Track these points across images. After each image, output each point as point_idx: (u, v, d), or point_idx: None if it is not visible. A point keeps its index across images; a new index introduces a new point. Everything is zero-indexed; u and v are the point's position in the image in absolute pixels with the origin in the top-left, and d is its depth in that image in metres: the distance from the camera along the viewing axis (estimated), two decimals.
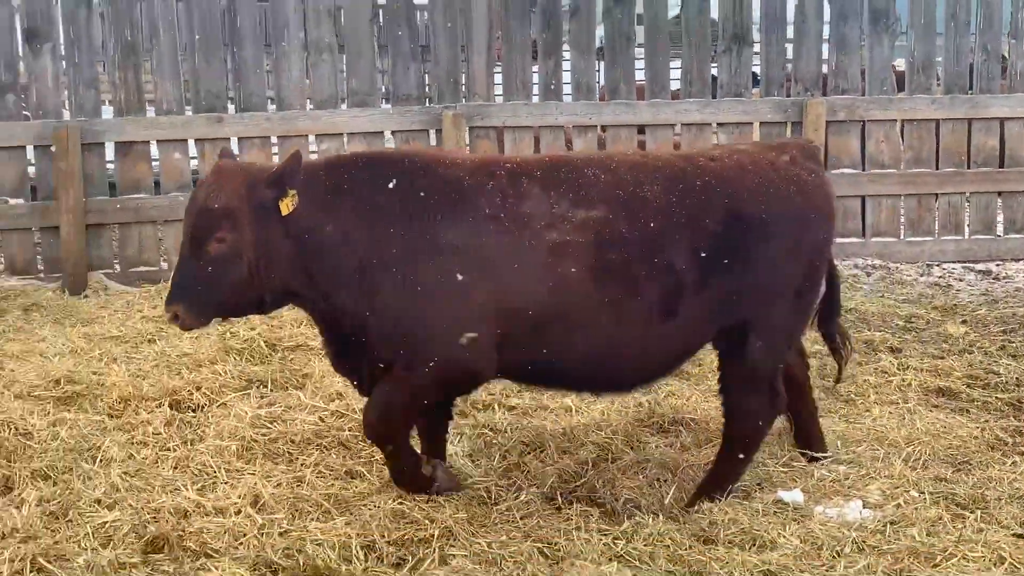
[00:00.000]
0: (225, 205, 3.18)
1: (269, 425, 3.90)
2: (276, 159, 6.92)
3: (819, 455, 3.76)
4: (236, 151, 7.01)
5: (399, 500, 3.27)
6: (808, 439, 3.82)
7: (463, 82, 7.04)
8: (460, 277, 3.19)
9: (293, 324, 5.13)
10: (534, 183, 3.32)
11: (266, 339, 4.89)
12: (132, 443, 3.72)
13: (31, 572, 2.89)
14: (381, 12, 7.35)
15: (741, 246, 3.35)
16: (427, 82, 7.37)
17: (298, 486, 3.42)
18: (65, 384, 4.30)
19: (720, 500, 3.36)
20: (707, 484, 3.50)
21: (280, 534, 3.07)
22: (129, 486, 3.37)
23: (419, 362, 3.23)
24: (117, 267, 6.77)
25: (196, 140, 6.89)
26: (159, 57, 6.81)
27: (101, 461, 3.55)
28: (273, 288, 3.27)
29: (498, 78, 7.29)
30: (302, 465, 3.59)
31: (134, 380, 4.37)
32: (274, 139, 7.07)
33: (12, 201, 6.63)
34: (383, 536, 3.05)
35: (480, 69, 6.99)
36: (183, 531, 3.05)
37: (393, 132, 7.03)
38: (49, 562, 2.90)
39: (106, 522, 3.11)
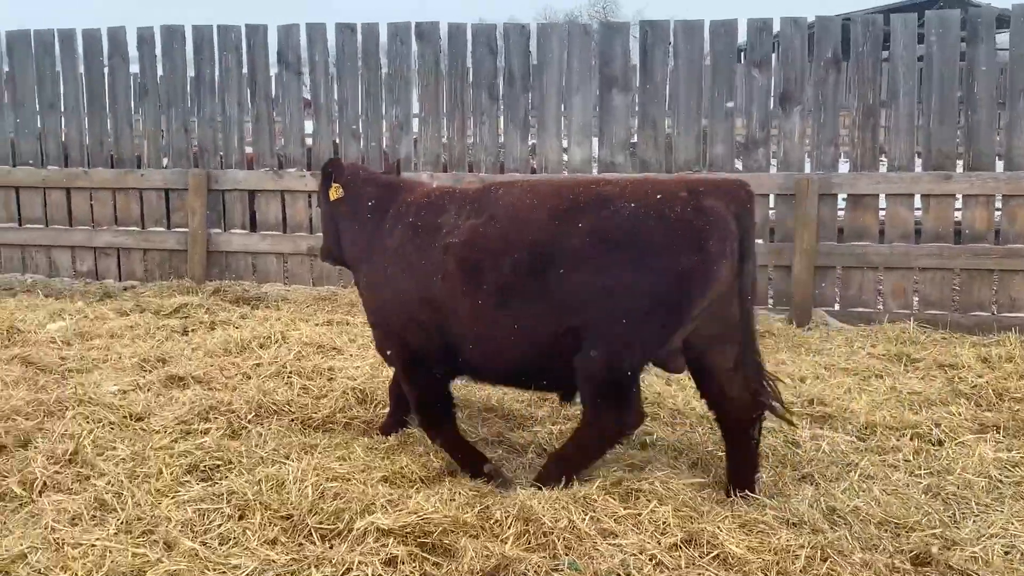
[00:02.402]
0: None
1: (1011, 469, 4.40)
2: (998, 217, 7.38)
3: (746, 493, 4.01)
4: (960, 207, 7.64)
5: None
6: (737, 480, 4.08)
7: None
8: (391, 270, 4.30)
9: (1016, 376, 5.57)
10: (455, 200, 4.26)
11: (994, 388, 5.42)
12: (885, 465, 4.54)
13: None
14: None
15: (590, 261, 3.76)
16: None
17: None
18: (817, 404, 5.37)
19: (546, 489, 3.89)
20: (542, 473, 4.08)
21: None
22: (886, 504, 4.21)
23: (376, 335, 4.51)
24: (837, 305, 7.81)
25: (922, 195, 7.63)
26: (896, 118, 7.70)
27: (860, 476, 4.41)
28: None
29: None
30: None
31: (874, 409, 5.23)
32: (998, 197, 7.51)
33: (758, 241, 8.07)
34: None
35: None
36: None
37: None
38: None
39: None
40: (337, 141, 8.78)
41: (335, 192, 4.91)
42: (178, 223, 8.98)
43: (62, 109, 9.28)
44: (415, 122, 8.73)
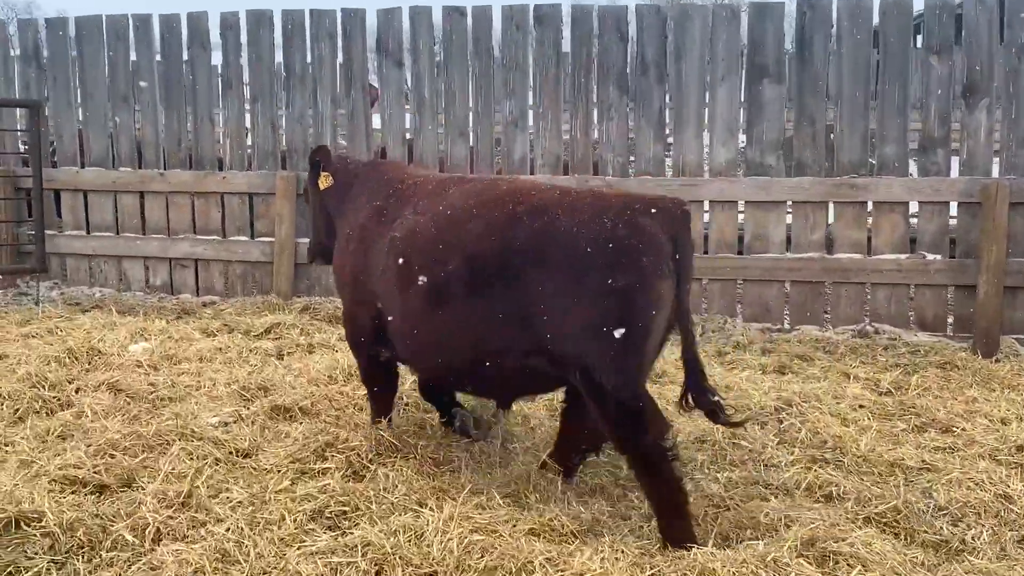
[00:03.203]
0: None
1: None
2: None
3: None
4: None
5: None
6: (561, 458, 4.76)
7: None
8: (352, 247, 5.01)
9: None
10: (420, 192, 4.83)
11: None
12: None
13: None
14: None
15: (518, 268, 4.16)
16: None
17: None
18: None
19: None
20: (662, 535, 4.08)
21: None
22: None
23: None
24: None
25: None
26: None
27: None
28: None
29: None
30: None
31: None
32: None
33: (929, 256, 7.91)
34: None
35: None
36: None
37: None
38: None
39: None
40: (441, 139, 8.89)
41: (325, 181, 5.51)
42: (263, 232, 9.18)
43: (135, 104, 9.58)
44: (532, 117, 8.77)
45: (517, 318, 4.21)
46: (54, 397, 5.83)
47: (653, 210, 4.12)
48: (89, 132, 9.66)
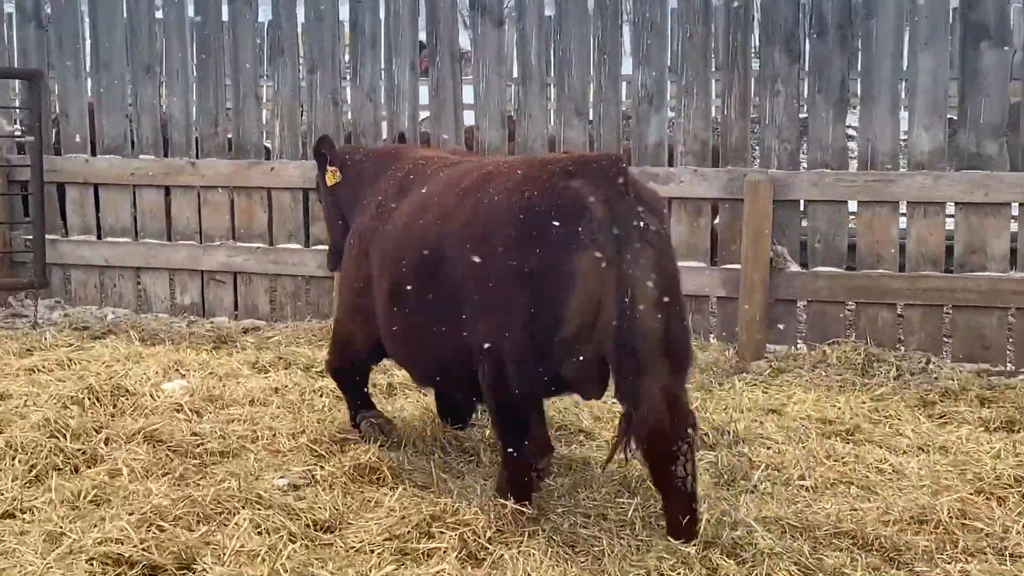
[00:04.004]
0: None
1: None
2: None
3: None
4: None
5: None
6: None
7: None
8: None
9: None
10: (422, 173, 5.69)
11: None
12: None
13: None
14: None
15: (459, 259, 4.89)
16: None
17: None
18: None
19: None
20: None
21: None
22: None
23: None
24: None
25: None
26: None
27: None
28: None
29: None
30: None
31: None
32: None
33: None
34: None
35: None
36: None
37: None
38: None
39: None
40: (552, 118, 8.88)
41: (332, 177, 6.11)
42: (320, 238, 9.23)
43: (161, 74, 9.73)
44: (670, 92, 8.73)
45: (452, 308, 5.01)
46: (78, 450, 5.88)
47: (571, 167, 4.68)
48: (103, 110, 9.82)
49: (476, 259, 4.81)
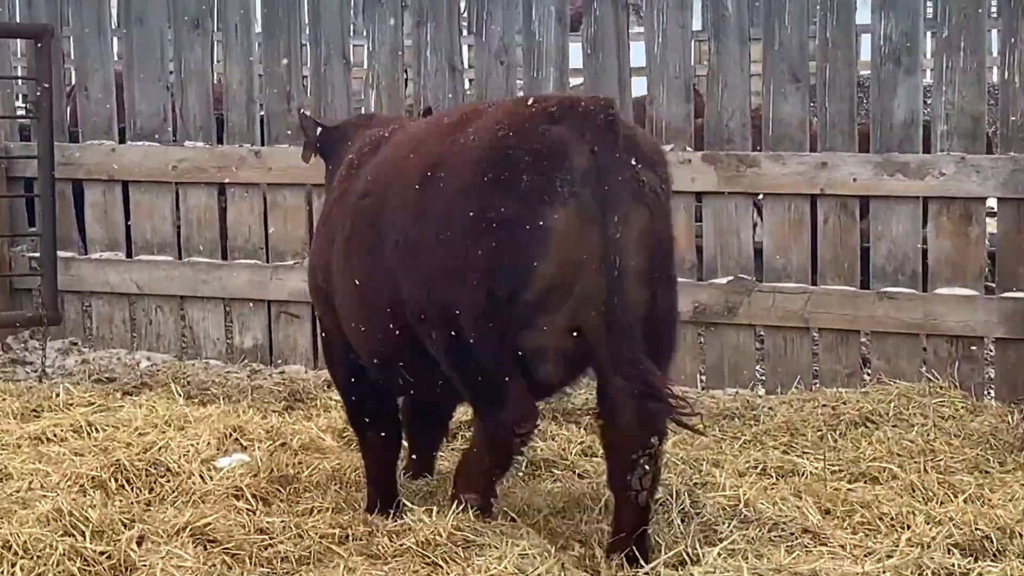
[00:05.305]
0: None
1: None
2: None
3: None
4: None
5: None
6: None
7: None
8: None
9: None
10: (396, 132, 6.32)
11: None
12: None
13: None
14: None
15: (420, 196, 5.50)
16: None
17: None
18: None
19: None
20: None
21: None
22: None
23: None
24: None
25: None
26: None
27: None
28: None
29: None
30: None
31: None
32: None
33: None
34: None
35: None
36: None
37: None
38: None
39: None
40: (756, 85, 8.80)
41: (307, 158, 7.19)
42: None
43: (215, 32, 9.82)
44: (928, 49, 8.59)
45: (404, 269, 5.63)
46: (101, 553, 5.87)
47: (554, 110, 5.28)
48: (134, 79, 9.94)
49: (434, 206, 5.43)
